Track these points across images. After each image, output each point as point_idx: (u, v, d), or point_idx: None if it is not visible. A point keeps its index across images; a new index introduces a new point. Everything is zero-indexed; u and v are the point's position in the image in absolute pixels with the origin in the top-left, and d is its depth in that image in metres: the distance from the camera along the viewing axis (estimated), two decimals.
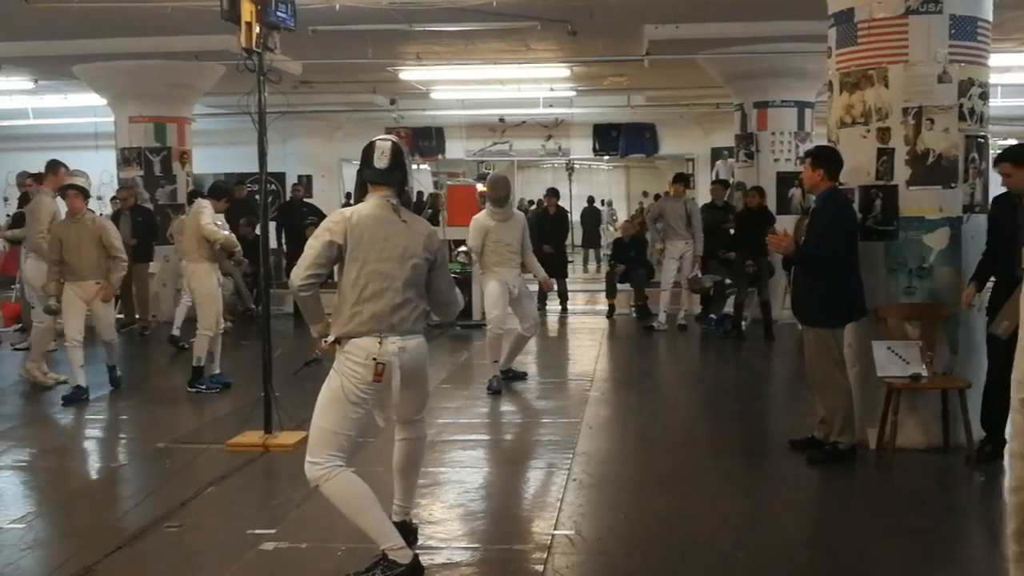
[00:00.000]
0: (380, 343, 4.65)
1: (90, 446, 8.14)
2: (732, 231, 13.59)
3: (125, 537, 5.51)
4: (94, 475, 6.94)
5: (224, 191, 10.16)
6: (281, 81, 7.73)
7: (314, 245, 4.75)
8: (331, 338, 4.78)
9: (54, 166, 10.74)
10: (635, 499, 6.28)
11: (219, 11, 7.27)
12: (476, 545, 5.42)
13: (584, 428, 7.98)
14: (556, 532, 5.49)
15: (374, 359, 4.63)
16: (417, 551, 4.89)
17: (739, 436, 8.20)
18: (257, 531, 5.56)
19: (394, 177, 4.83)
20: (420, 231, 4.86)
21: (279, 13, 7.44)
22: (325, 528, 5.59)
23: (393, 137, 4.98)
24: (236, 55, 7.51)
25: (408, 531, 5.14)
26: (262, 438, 7.50)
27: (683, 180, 14.01)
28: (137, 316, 14.35)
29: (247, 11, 7.26)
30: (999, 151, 6.96)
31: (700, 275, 13.28)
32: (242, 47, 7.35)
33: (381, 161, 4.81)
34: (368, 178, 4.87)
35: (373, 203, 4.81)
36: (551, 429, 7.96)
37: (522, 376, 10.16)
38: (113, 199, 15.59)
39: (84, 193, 9.74)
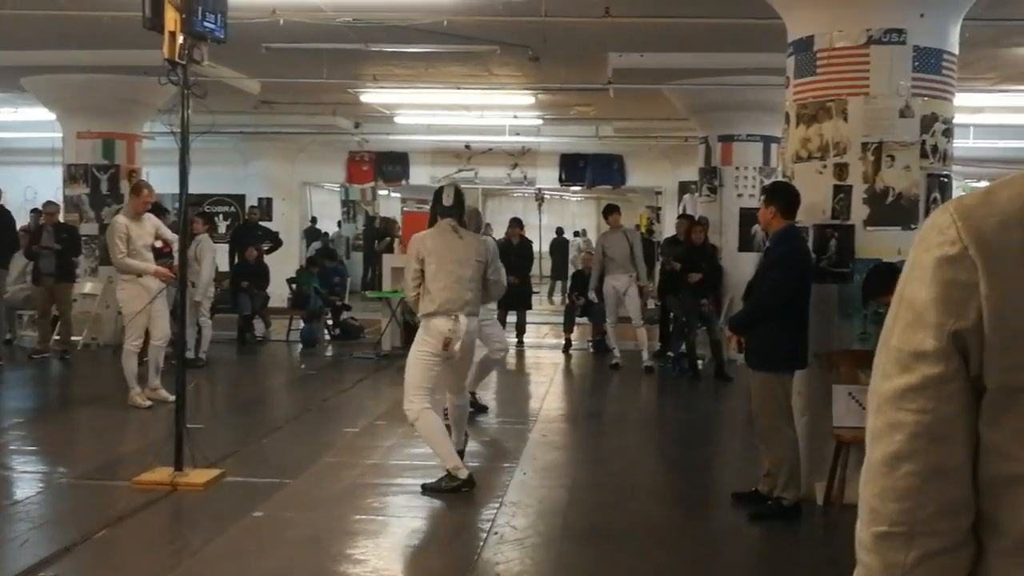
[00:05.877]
0: (454, 319, 6.72)
1: None
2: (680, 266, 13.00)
3: None
4: None
5: None
6: (207, 96, 7.25)
7: (408, 267, 6.95)
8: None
9: None
10: (560, 554, 5.78)
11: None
12: None
13: (517, 474, 7.46)
14: None
15: (445, 335, 6.69)
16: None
17: (681, 486, 7.75)
18: None
19: (454, 211, 7.01)
20: (473, 244, 7.05)
21: (206, 23, 6.94)
22: None
23: (456, 184, 7.46)
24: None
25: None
26: (171, 476, 6.96)
27: (616, 211, 13.42)
28: (57, 336, 13.60)
29: (171, 20, 6.76)
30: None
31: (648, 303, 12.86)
32: (165, 59, 6.90)
33: (448, 200, 7.00)
34: (439, 211, 7.02)
35: (441, 226, 6.95)
36: (481, 476, 7.13)
37: (483, 409, 9.91)
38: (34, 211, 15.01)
39: None
